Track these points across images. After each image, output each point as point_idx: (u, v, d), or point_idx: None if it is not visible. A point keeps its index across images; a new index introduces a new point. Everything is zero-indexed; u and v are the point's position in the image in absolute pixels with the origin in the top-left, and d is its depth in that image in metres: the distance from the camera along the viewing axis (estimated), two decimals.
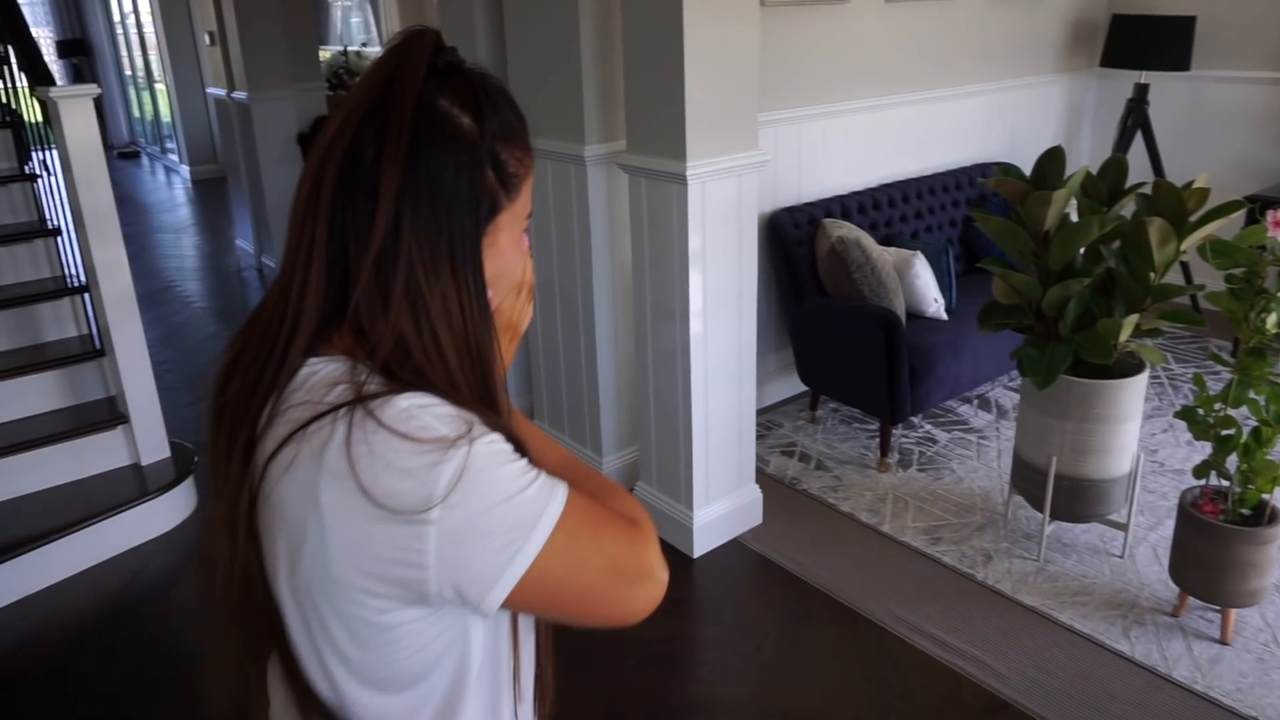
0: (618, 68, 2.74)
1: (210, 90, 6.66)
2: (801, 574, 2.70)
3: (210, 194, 8.86)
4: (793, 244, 3.37)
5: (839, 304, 3.26)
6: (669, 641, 2.48)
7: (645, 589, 0.76)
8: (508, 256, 0.78)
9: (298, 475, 0.68)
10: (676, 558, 2.82)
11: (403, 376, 0.70)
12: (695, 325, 2.60)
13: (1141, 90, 4.38)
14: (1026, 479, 2.70)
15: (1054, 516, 2.67)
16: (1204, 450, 2.37)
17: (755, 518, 2.95)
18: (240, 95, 5.53)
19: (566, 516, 0.70)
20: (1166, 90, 4.57)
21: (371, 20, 10.69)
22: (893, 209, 3.78)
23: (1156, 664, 2.29)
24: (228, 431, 0.75)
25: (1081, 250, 2.50)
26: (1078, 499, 2.60)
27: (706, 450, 2.74)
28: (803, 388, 3.78)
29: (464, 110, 0.73)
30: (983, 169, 4.19)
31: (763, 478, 3.14)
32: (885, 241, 3.63)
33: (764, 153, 2.62)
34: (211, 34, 5.77)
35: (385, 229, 0.69)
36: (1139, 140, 4.43)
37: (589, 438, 3.17)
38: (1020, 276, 2.51)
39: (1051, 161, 2.54)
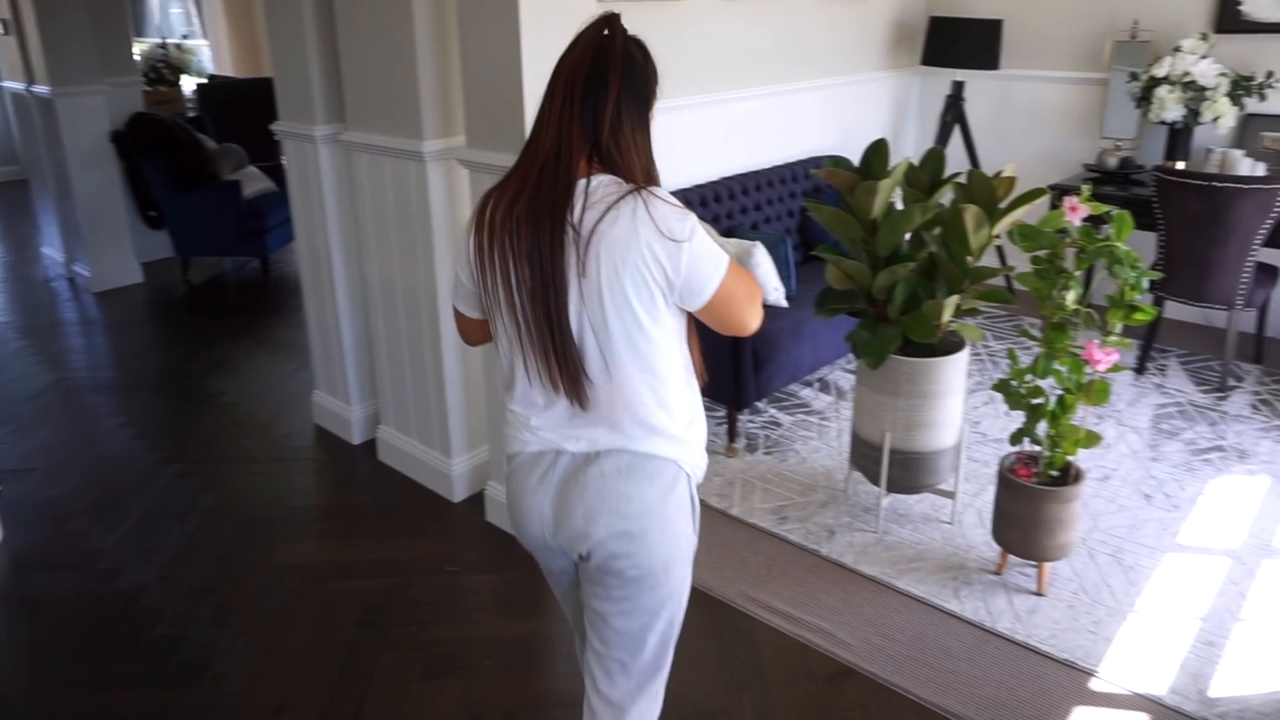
0: (454, 62, 2.69)
1: (6, 83, 6.07)
2: None
3: (11, 198, 8.10)
4: None
5: None
6: (525, 640, 2.46)
7: (759, 313, 1.47)
8: (652, 131, 1.41)
9: (620, 222, 1.28)
10: (521, 554, 2.79)
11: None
12: None
13: (958, 87, 4.68)
14: (864, 455, 2.83)
15: (890, 489, 2.82)
16: (1019, 419, 2.55)
17: None
18: (42, 89, 5.09)
19: (730, 265, 1.36)
20: (980, 88, 4.90)
21: (194, 11, 10.06)
22: (733, 201, 3.89)
23: (983, 619, 2.46)
24: (527, 232, 1.31)
25: (907, 236, 2.64)
26: (910, 471, 2.75)
27: None
28: None
29: (640, 53, 1.38)
30: (817, 162, 4.37)
31: None
32: (726, 233, 3.73)
33: None
34: (5, 21, 5.27)
35: (613, 108, 1.31)
36: (958, 134, 4.74)
37: (437, 440, 3.10)
38: (851, 263, 2.63)
39: (877, 153, 2.67)
